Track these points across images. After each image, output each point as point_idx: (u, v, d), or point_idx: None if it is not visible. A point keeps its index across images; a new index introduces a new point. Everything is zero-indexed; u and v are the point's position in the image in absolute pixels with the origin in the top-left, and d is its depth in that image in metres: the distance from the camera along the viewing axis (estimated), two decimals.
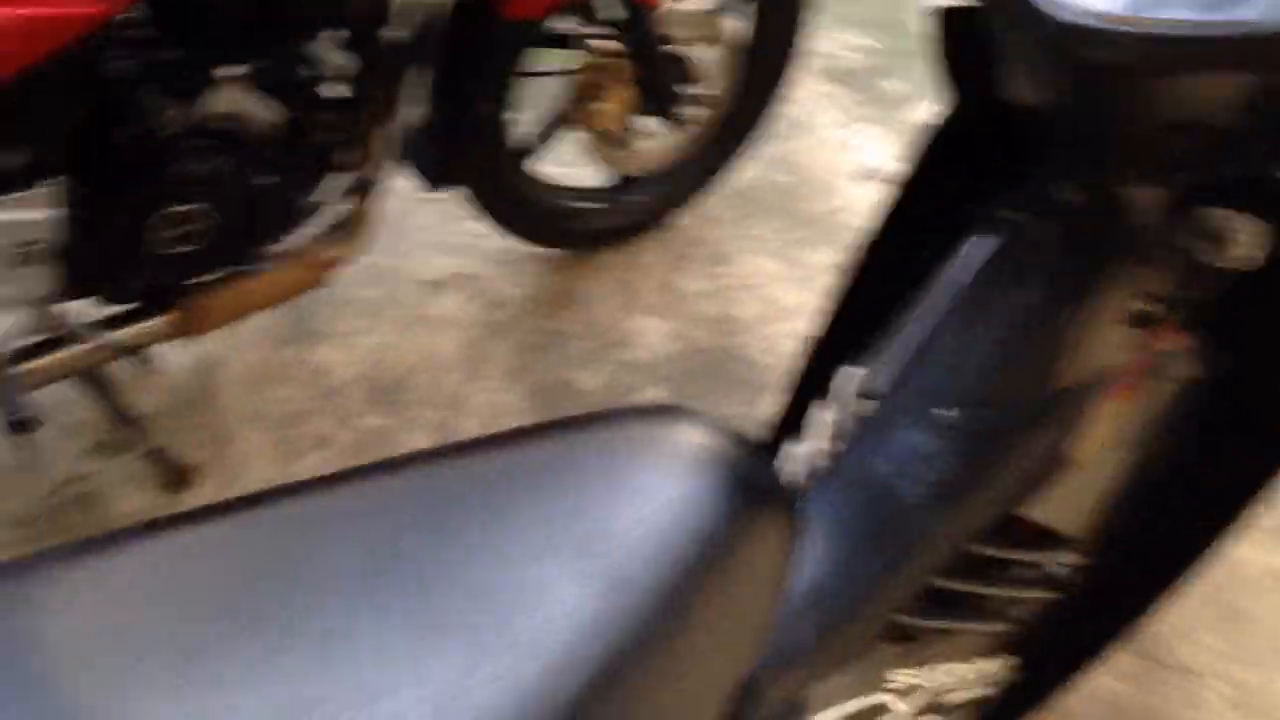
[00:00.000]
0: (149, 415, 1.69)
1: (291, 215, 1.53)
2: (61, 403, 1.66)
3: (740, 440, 0.52)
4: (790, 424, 1.00)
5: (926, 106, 1.00)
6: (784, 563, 0.55)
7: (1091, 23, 0.65)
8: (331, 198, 1.57)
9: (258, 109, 1.39)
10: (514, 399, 1.79)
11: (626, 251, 2.02)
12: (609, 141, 1.86)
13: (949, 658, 0.93)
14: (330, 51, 1.44)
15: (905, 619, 0.85)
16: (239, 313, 1.54)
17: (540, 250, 1.99)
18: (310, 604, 0.43)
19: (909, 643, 0.89)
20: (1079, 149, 0.76)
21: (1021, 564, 0.88)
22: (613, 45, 1.76)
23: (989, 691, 1.00)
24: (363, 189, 1.57)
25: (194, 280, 1.47)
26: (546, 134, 1.87)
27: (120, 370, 1.57)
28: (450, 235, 2.03)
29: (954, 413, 0.80)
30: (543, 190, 1.90)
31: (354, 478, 0.49)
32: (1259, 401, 0.86)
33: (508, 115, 1.75)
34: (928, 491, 0.80)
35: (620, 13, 1.74)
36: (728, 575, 0.50)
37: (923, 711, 0.93)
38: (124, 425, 1.59)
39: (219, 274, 1.49)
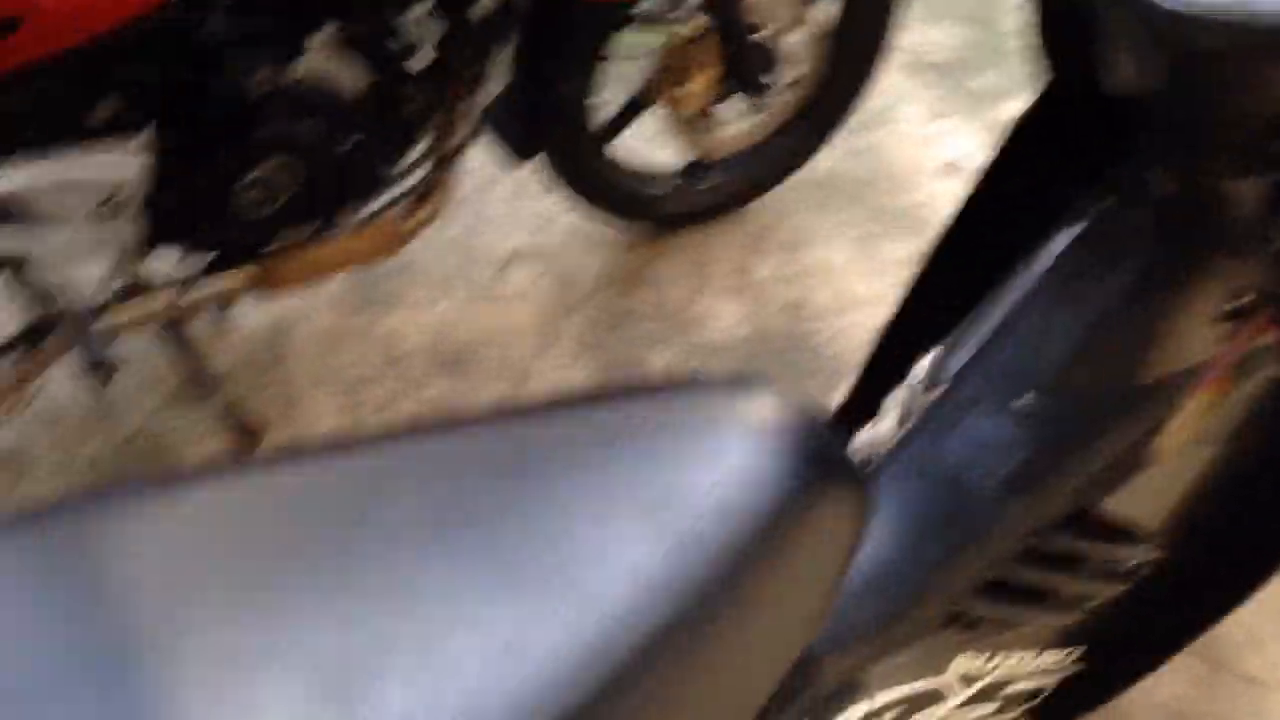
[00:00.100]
0: (222, 372, 1.71)
1: (373, 182, 1.55)
2: (140, 355, 1.70)
3: (816, 416, 0.52)
4: (859, 410, 0.99)
5: (1014, 105, 0.98)
6: (851, 541, 0.54)
7: (1198, 10, 0.63)
8: (413, 167, 1.58)
9: (347, 76, 1.41)
10: (582, 375, 1.79)
11: (702, 234, 2.01)
12: (690, 124, 1.85)
13: (1014, 647, 0.91)
14: (420, 23, 1.45)
15: (970, 606, 0.84)
16: (316, 275, 1.56)
17: (615, 229, 1.99)
18: (377, 549, 0.43)
19: (972, 630, 0.87)
20: (1175, 136, 0.75)
21: (1094, 557, 0.86)
22: (698, 27, 1.75)
23: (1050, 683, 0.98)
24: (444, 160, 1.58)
25: (274, 240, 1.49)
26: (628, 115, 1.87)
27: (197, 326, 1.60)
28: (526, 211, 2.03)
29: (1031, 399, 0.79)
30: (622, 170, 1.90)
31: (428, 429, 0.49)
32: None
33: (590, 95, 1.75)
34: (1000, 480, 0.79)
35: None
36: (794, 548, 0.50)
37: (980, 699, 0.92)
38: (198, 380, 1.61)
39: (299, 235, 1.50)
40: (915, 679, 0.87)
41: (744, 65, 1.79)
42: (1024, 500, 0.79)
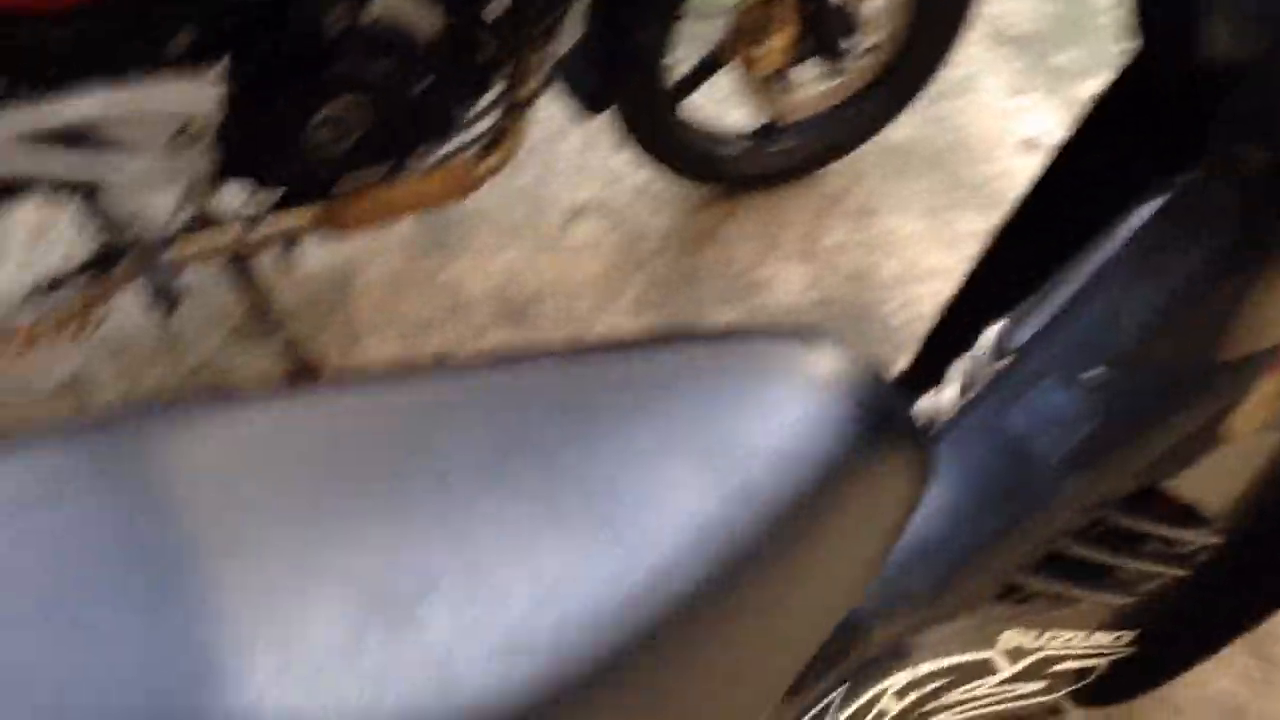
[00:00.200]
0: (286, 310, 1.73)
1: (445, 125, 1.55)
2: (206, 288, 1.72)
3: (880, 374, 0.51)
4: (920, 379, 0.98)
5: (1096, 84, 0.96)
6: (908, 503, 0.53)
7: None
8: (485, 113, 1.58)
9: (423, 18, 1.40)
10: (643, 330, 1.79)
11: (772, 196, 1.99)
12: (765, 85, 1.82)
13: (1066, 626, 0.90)
14: None
15: (1024, 580, 0.83)
16: (384, 216, 1.57)
17: (685, 187, 1.98)
18: (432, 479, 0.43)
19: (1025, 605, 0.86)
20: (1270, 110, 0.72)
21: (1156, 538, 0.84)
22: None
23: (1099, 665, 0.97)
24: (516, 107, 1.57)
25: (345, 178, 1.50)
26: (702, 73, 1.85)
27: (264, 263, 1.61)
28: (595, 165, 2.02)
29: (1103, 372, 0.77)
30: (693, 130, 1.88)
31: (489, 364, 0.49)
32: None
33: (665, 52, 1.73)
34: (1065, 453, 0.77)
35: None
36: (850, 506, 0.49)
37: (1027, 676, 0.91)
38: (262, 317, 1.63)
39: (369, 175, 1.51)
40: (962, 650, 0.86)
41: (823, 27, 1.77)
42: (1088, 475, 0.78)
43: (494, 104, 1.57)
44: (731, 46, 1.78)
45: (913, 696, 0.86)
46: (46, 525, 0.39)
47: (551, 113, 1.89)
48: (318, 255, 1.82)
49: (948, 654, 0.86)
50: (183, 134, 1.31)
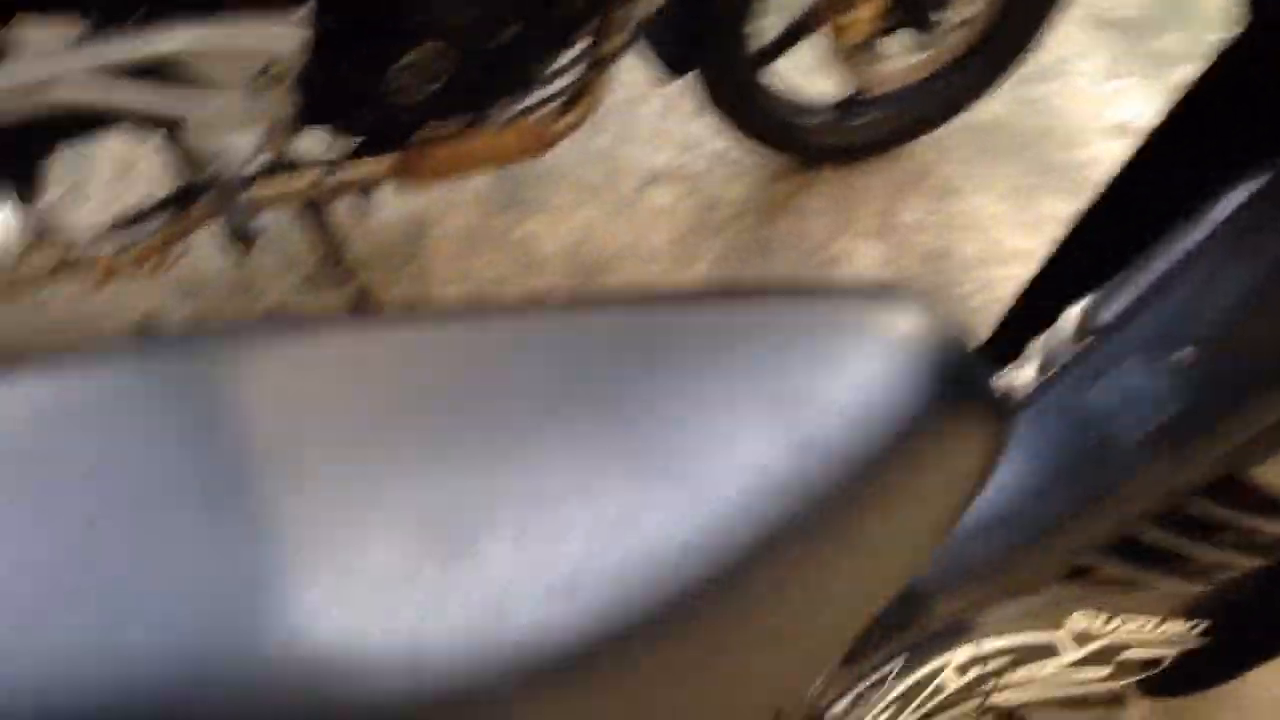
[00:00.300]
0: (359, 259, 1.73)
1: (525, 79, 1.54)
2: (281, 233, 1.73)
3: (963, 339, 0.49)
4: (998, 354, 0.96)
5: (1195, 70, 0.92)
6: (982, 470, 0.51)
7: None
8: (566, 69, 1.57)
9: None
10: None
11: (851, 170, 1.97)
12: (852, 55, 1.79)
13: (1136, 611, 0.88)
14: None
15: (1096, 562, 0.81)
16: (461, 168, 1.56)
17: (763, 156, 1.95)
18: (497, 412, 0.43)
19: (1095, 587, 0.84)
20: None
21: (1236, 527, 0.82)
22: None
23: (1169, 655, 0.95)
24: (598, 64, 1.56)
25: (422, 129, 1.49)
26: (788, 40, 1.82)
27: (339, 210, 1.62)
28: (674, 130, 2.01)
29: (1191, 353, 0.75)
30: (776, 98, 1.85)
31: (564, 303, 0.48)
32: None
33: (750, 17, 1.70)
34: (1147, 434, 0.75)
35: None
36: (922, 467, 0.47)
37: (1093, 661, 0.89)
38: (335, 264, 1.63)
39: (447, 126, 1.50)
40: (1028, 630, 0.85)
41: None
42: (1169, 458, 0.75)
43: (576, 60, 1.56)
44: (820, 13, 1.75)
45: (974, 673, 0.85)
46: (118, 432, 0.39)
47: (633, 76, 1.88)
48: (393, 206, 1.82)
49: (1013, 632, 0.84)
50: (265, 74, 1.31)
